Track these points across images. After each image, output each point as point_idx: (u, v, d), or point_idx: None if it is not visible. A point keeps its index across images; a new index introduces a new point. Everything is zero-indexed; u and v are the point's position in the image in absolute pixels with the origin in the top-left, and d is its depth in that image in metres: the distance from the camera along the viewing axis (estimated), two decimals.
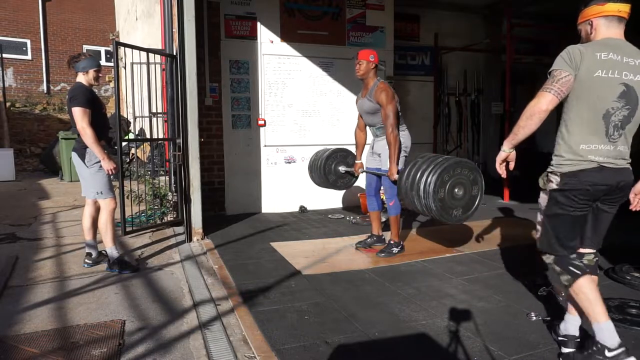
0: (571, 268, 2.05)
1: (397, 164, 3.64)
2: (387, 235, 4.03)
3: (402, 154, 3.77)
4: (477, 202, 3.21)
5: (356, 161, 4.26)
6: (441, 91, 8.02)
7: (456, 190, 3.09)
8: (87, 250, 3.60)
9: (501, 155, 2.20)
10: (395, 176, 3.52)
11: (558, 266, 2.09)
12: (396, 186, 3.81)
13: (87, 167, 3.38)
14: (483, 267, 3.51)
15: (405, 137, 3.83)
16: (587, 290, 2.00)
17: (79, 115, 3.21)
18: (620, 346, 1.95)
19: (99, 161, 3.32)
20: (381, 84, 3.74)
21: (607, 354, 1.95)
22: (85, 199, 3.57)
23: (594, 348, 2.00)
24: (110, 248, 3.45)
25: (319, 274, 3.39)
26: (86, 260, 3.58)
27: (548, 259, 2.13)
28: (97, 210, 3.53)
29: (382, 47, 6.21)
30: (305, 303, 2.81)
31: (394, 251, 3.82)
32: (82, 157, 3.36)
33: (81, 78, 3.38)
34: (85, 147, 3.30)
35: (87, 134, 3.22)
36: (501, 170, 2.24)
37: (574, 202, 1.99)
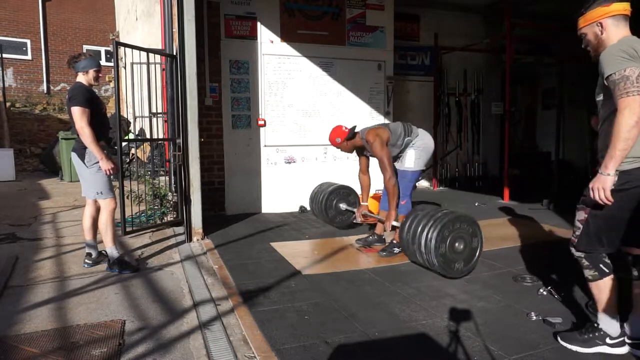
0: (602, 267, 2.12)
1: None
2: (391, 235, 4.03)
3: (425, 155, 3.92)
4: (477, 254, 3.23)
5: (362, 203, 4.28)
6: (441, 91, 8.03)
7: (457, 244, 3.12)
8: (87, 250, 3.60)
9: (609, 181, 1.88)
10: (389, 226, 3.65)
11: (588, 261, 2.14)
12: (412, 182, 3.90)
13: (87, 167, 3.37)
14: (483, 267, 3.50)
15: (423, 139, 3.96)
16: (609, 289, 2.12)
17: (78, 115, 3.20)
18: (620, 336, 2.15)
19: (99, 161, 3.32)
20: (368, 136, 3.79)
21: (608, 341, 2.16)
22: (85, 199, 3.57)
23: (597, 334, 2.17)
24: (110, 248, 3.45)
25: (319, 274, 3.39)
26: (86, 260, 3.58)
27: (577, 252, 2.16)
28: (98, 210, 3.53)
29: (382, 47, 6.22)
30: (305, 303, 2.81)
31: (395, 251, 3.82)
32: (82, 157, 3.36)
33: (81, 78, 3.37)
34: (85, 147, 3.30)
35: (85, 133, 3.21)
36: (608, 197, 1.90)
37: (632, 202, 1.95)
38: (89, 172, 3.39)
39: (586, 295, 2.86)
